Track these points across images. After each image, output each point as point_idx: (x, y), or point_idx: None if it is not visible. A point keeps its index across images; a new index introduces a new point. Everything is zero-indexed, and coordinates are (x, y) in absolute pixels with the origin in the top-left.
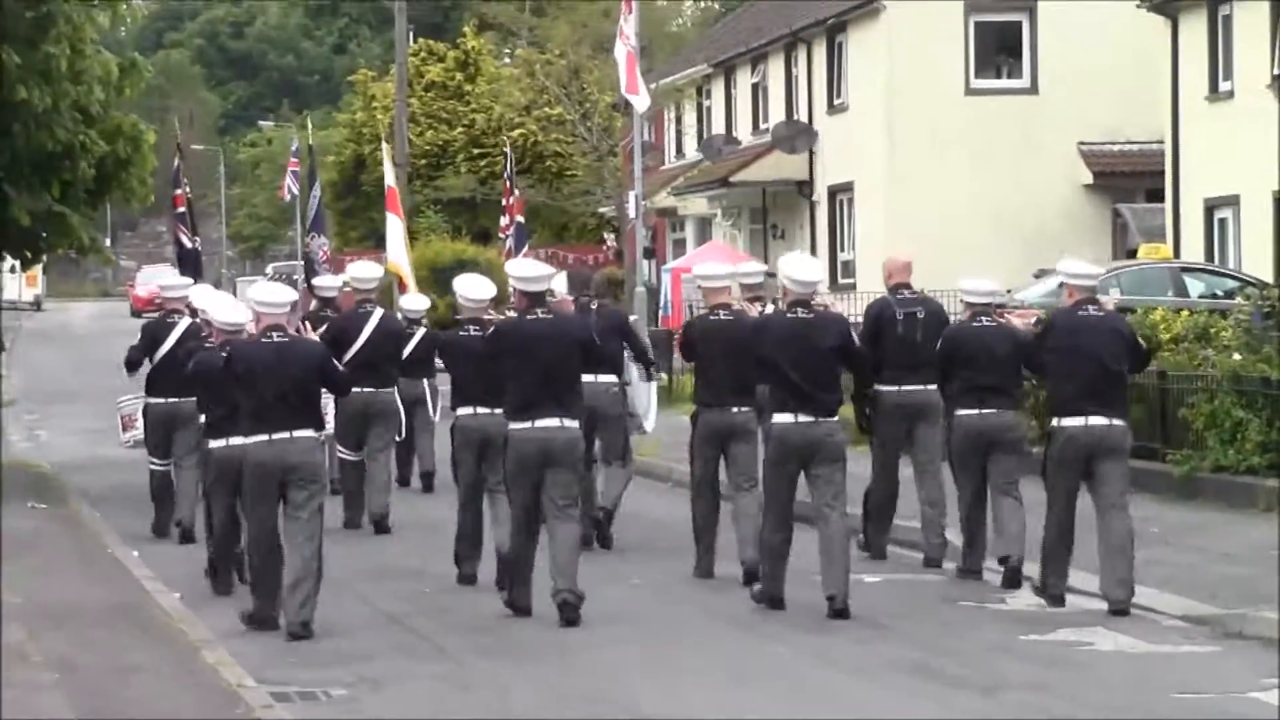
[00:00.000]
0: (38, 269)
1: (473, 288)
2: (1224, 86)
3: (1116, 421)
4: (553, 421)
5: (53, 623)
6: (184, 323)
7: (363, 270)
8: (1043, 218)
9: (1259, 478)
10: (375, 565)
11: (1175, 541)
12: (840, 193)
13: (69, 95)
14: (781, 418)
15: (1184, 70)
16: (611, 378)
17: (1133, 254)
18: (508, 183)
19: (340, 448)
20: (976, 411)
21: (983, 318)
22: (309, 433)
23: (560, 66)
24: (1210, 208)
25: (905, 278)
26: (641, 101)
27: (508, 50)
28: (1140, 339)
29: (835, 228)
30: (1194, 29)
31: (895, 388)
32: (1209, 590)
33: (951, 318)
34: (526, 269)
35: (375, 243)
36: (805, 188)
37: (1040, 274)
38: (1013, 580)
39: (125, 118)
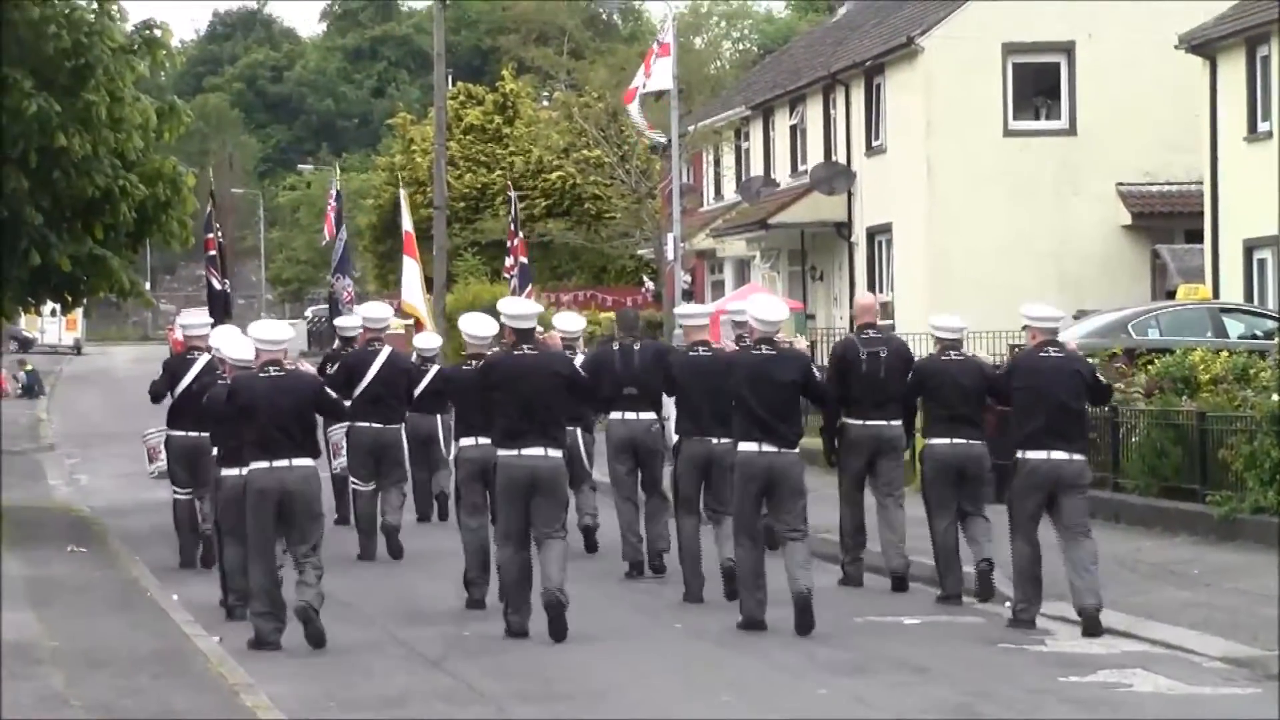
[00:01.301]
0: (78, 313)
1: (476, 325)
2: (1263, 127)
3: (1076, 456)
4: (538, 450)
5: (92, 668)
6: (203, 359)
7: (373, 311)
8: (1082, 258)
9: None
10: (410, 606)
11: (1215, 583)
12: (879, 234)
13: (108, 141)
14: (746, 447)
15: (1223, 110)
16: (651, 414)
17: (1172, 295)
18: (512, 225)
19: (353, 479)
20: (947, 441)
21: (951, 351)
22: (306, 461)
23: (598, 109)
24: (1249, 248)
25: (871, 318)
26: (633, 109)
27: (546, 93)
28: (1099, 378)
29: (874, 269)
30: (1233, 69)
31: (860, 422)
32: (1250, 632)
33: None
34: (516, 307)
35: None
36: (844, 229)
37: (1080, 315)
38: (986, 587)
39: (165, 161)
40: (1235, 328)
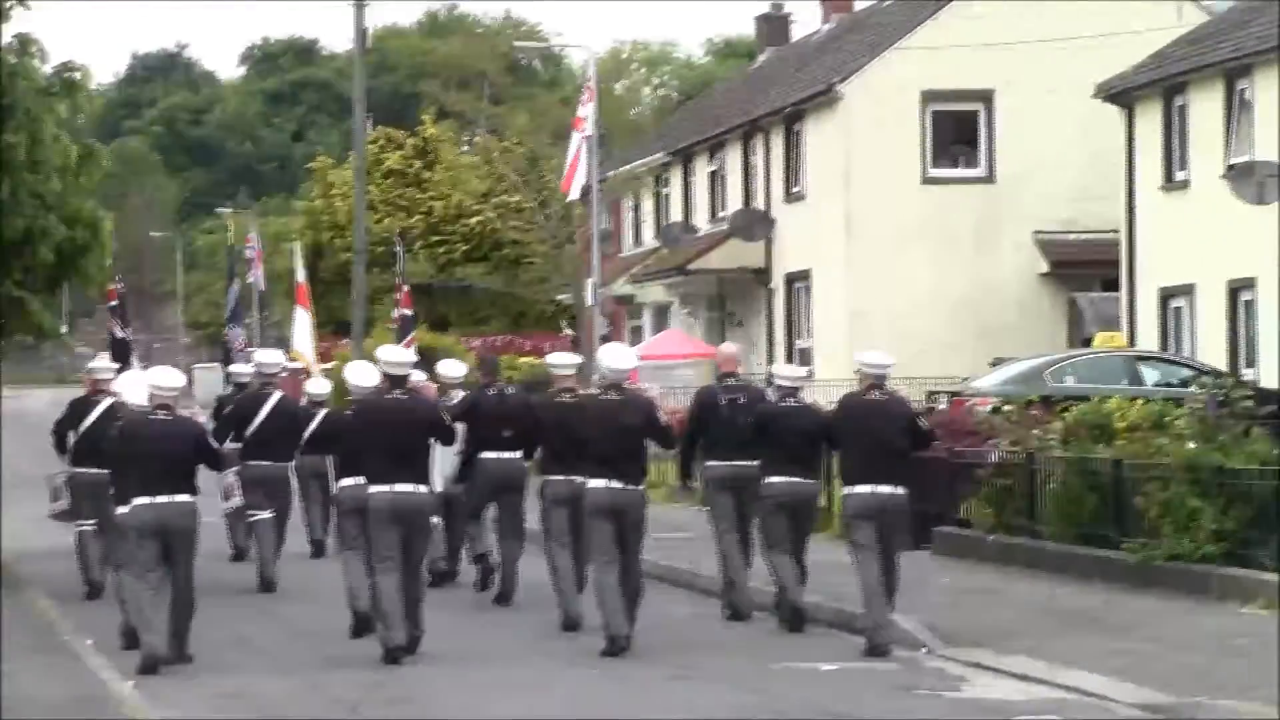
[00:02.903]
0: None
1: (360, 375)
2: (1179, 176)
3: (898, 490)
4: (407, 487)
5: (7, 715)
6: (107, 401)
7: (266, 357)
8: (999, 306)
9: (1213, 566)
10: (333, 654)
11: (1130, 630)
12: (797, 280)
13: (27, 184)
14: (595, 483)
15: (1140, 160)
16: (520, 453)
17: (1088, 342)
18: (399, 278)
19: (250, 511)
20: (784, 479)
21: (790, 399)
22: (186, 498)
23: (519, 154)
24: (1165, 297)
25: (732, 368)
26: (572, 194)
27: (466, 138)
28: (920, 422)
29: (792, 315)
30: (1150, 120)
31: (724, 463)
32: (1164, 679)
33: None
34: (392, 355)
35: (334, 329)
36: (763, 275)
37: (997, 362)
38: (797, 623)
39: (84, 204)
40: (1151, 375)
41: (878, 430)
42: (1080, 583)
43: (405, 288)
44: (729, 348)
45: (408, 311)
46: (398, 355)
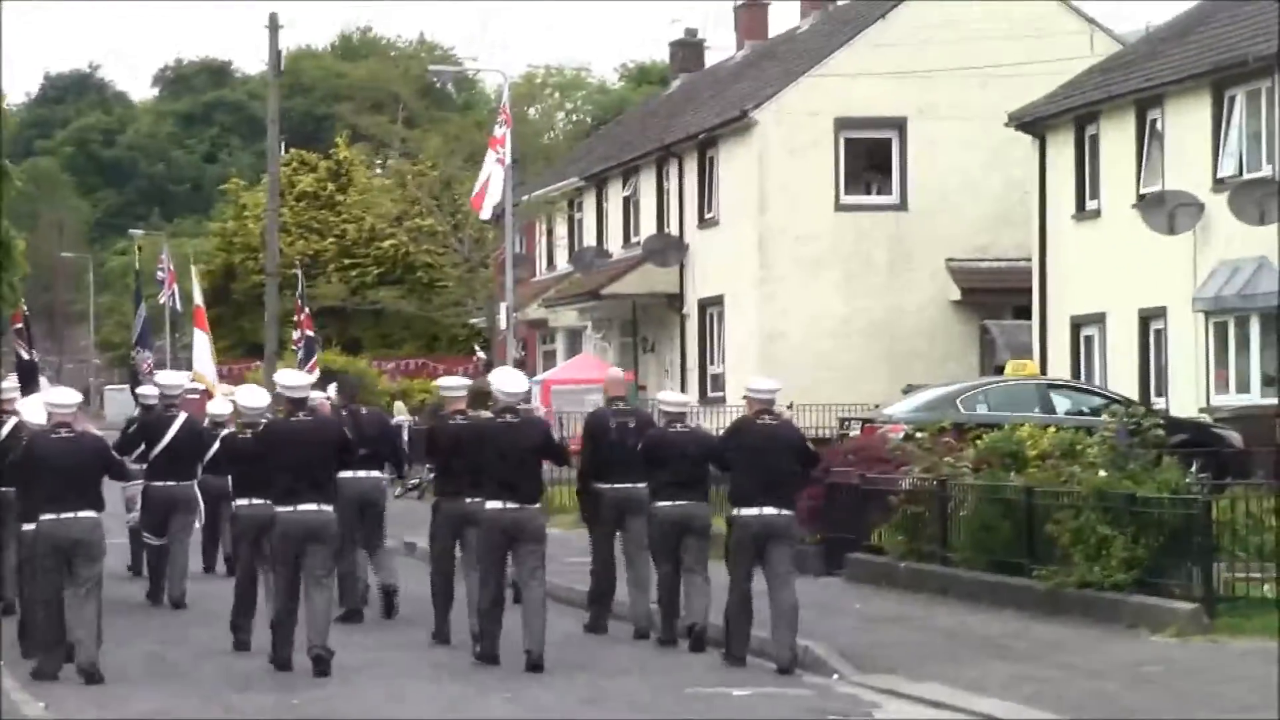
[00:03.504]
0: None
1: (249, 397)
2: (1091, 205)
3: (785, 511)
4: (312, 506)
5: None
6: (11, 422)
7: (169, 379)
8: (911, 332)
9: (1124, 594)
10: (241, 670)
11: (1042, 657)
12: (711, 306)
13: None
14: (492, 504)
15: (1052, 189)
16: (378, 472)
17: (1000, 370)
18: (299, 301)
19: (146, 534)
20: (671, 503)
21: (677, 424)
22: (91, 513)
23: (432, 178)
24: (1077, 325)
25: (621, 391)
26: (483, 214)
27: (380, 161)
28: (808, 445)
29: (705, 341)
30: (1062, 148)
31: (610, 485)
32: (1075, 705)
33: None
34: (290, 379)
35: (245, 351)
36: (676, 301)
37: (909, 389)
38: (698, 645)
39: None
40: (1063, 404)
41: (768, 454)
42: (992, 610)
43: (306, 311)
44: (616, 372)
45: (310, 333)
46: (296, 379)
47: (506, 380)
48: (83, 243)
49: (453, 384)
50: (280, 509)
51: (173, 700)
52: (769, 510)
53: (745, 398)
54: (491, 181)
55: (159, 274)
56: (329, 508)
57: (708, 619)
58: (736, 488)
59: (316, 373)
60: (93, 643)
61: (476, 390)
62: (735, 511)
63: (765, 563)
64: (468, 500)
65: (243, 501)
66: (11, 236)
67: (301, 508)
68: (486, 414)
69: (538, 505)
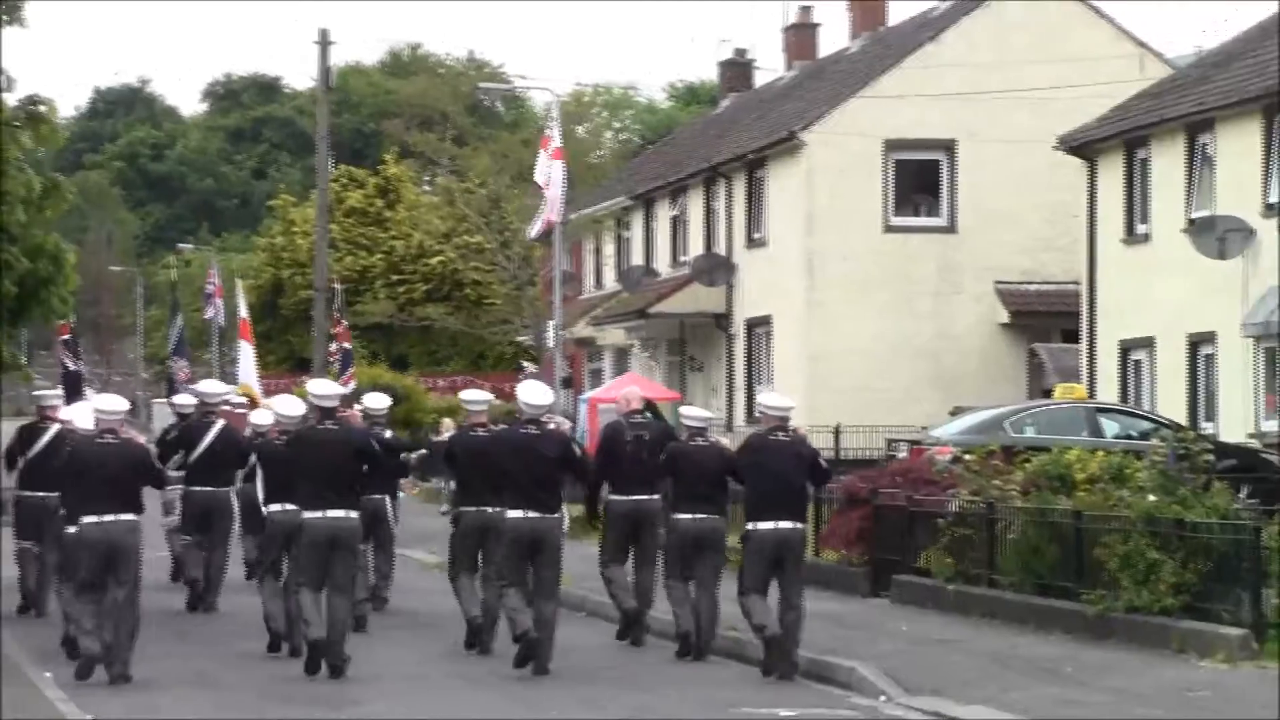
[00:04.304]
0: None
1: (285, 406)
2: (1140, 229)
3: (798, 525)
4: (339, 513)
5: None
6: (54, 429)
7: (209, 386)
8: (959, 355)
9: (1172, 619)
10: (282, 690)
11: (1089, 681)
12: (758, 326)
13: None
14: (514, 513)
15: (1101, 212)
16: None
17: (1048, 393)
18: (336, 313)
19: (183, 536)
20: (690, 516)
21: (698, 438)
22: (130, 516)
23: (480, 195)
24: (1125, 349)
25: (638, 405)
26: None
27: (428, 178)
28: (820, 460)
29: (752, 361)
30: (1112, 172)
31: (625, 497)
32: None
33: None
34: (320, 388)
35: (294, 365)
36: (723, 321)
37: (957, 411)
38: (695, 653)
39: (47, 237)
40: (1111, 427)
41: (781, 469)
42: (1039, 633)
43: (343, 324)
44: (633, 390)
45: (347, 345)
46: (327, 389)
47: (531, 393)
48: (131, 257)
49: (475, 397)
50: (307, 514)
51: (213, 710)
52: (784, 524)
53: (760, 414)
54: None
55: (208, 288)
56: (354, 514)
57: (714, 630)
58: (751, 502)
59: (353, 384)
60: (127, 644)
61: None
62: (750, 525)
63: (779, 576)
64: (489, 510)
65: (275, 507)
66: (63, 249)
67: (329, 514)
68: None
69: (557, 515)
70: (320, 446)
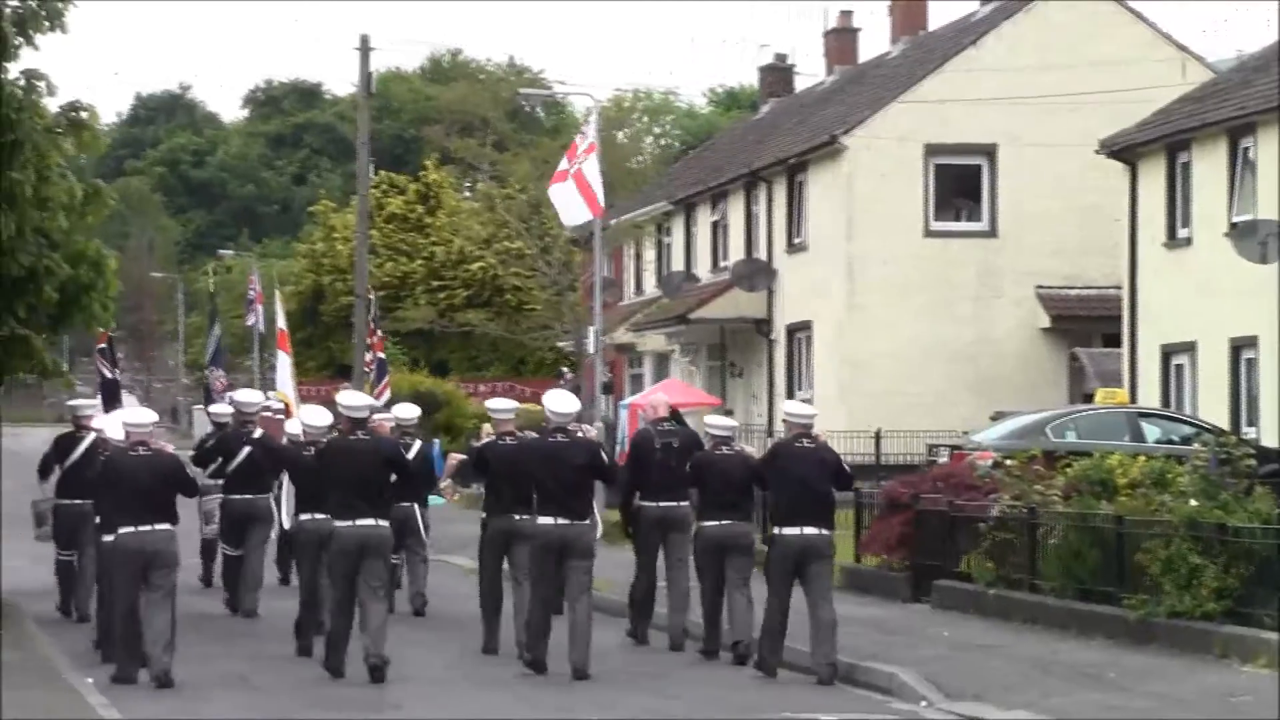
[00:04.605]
0: None
1: (313, 416)
2: (1182, 233)
3: (824, 531)
4: (369, 521)
5: None
6: (90, 437)
7: (246, 396)
8: (1000, 360)
9: (1214, 624)
10: (319, 695)
11: (1131, 686)
12: (798, 331)
13: (33, 221)
14: (544, 520)
15: (1143, 216)
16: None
17: (1089, 398)
18: (371, 323)
19: (223, 545)
20: (716, 522)
21: (724, 447)
22: (166, 526)
23: (521, 201)
24: (1167, 353)
25: (665, 413)
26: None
27: (468, 184)
28: (844, 466)
29: (793, 366)
30: (1153, 176)
31: (654, 503)
32: None
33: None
34: (350, 399)
35: (334, 372)
36: (763, 326)
37: (997, 416)
38: (742, 659)
39: (89, 243)
40: (1152, 432)
41: (805, 475)
42: (1081, 638)
43: (378, 333)
44: (660, 398)
45: (381, 355)
46: (356, 399)
47: (558, 401)
48: (172, 263)
49: (501, 406)
50: (337, 523)
51: (252, 714)
52: (809, 530)
53: (784, 421)
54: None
55: (249, 294)
56: (384, 523)
57: (752, 636)
58: (776, 508)
59: (388, 394)
60: (164, 650)
61: None
62: (776, 531)
63: (805, 580)
64: (516, 517)
65: (305, 516)
66: (104, 256)
67: (359, 522)
68: (533, 434)
69: (586, 522)
70: (350, 456)
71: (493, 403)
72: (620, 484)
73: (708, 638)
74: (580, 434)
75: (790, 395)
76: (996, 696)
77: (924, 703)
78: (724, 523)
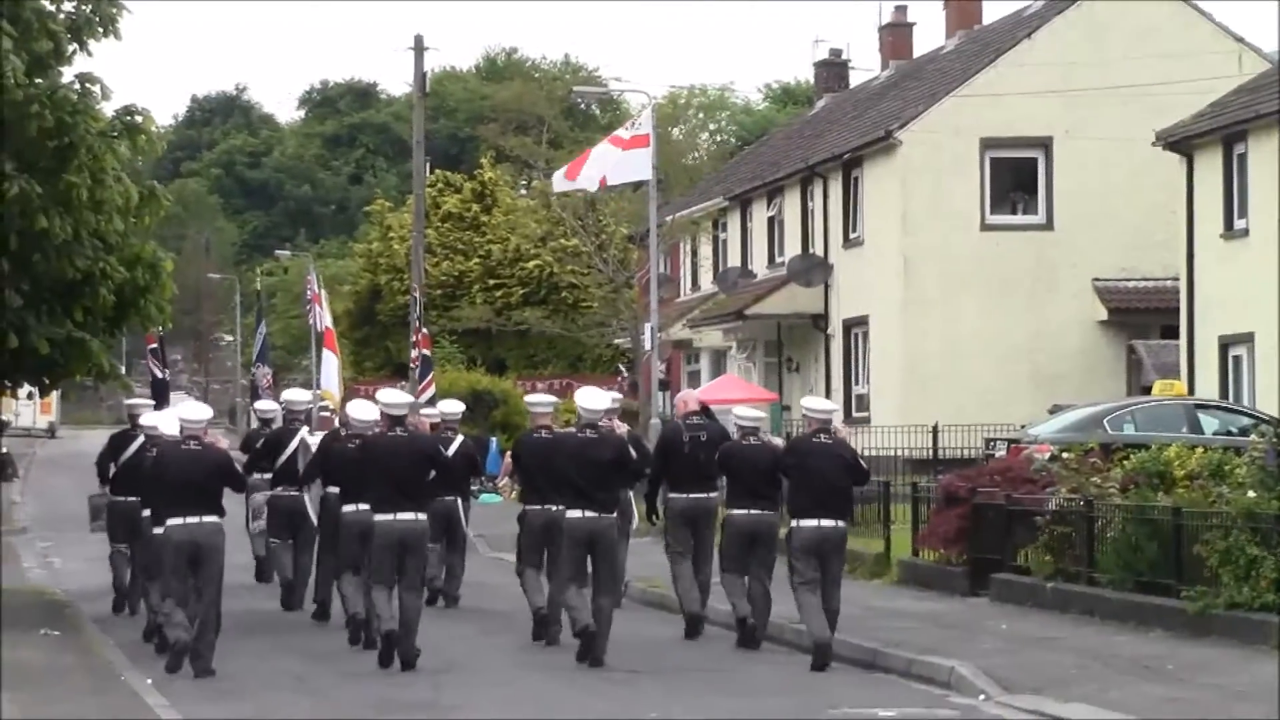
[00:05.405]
0: (53, 395)
1: (360, 411)
2: (1239, 224)
3: (840, 523)
4: (408, 515)
5: None
6: (140, 439)
7: (294, 395)
8: (1057, 353)
9: (1273, 615)
10: (378, 695)
11: (1190, 678)
12: (855, 326)
13: (89, 224)
14: (573, 513)
15: (1199, 207)
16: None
17: (1147, 390)
18: (416, 321)
19: (272, 538)
20: (745, 511)
21: (750, 438)
22: (214, 518)
23: (576, 199)
24: (1225, 345)
25: (695, 407)
26: (561, 183)
27: (524, 182)
28: (860, 461)
29: (849, 361)
30: (1210, 167)
31: (684, 495)
32: None
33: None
34: (389, 397)
35: (392, 371)
36: (820, 321)
37: (1055, 409)
38: (749, 639)
39: (145, 245)
40: (1210, 424)
41: (823, 469)
42: (1139, 631)
43: (423, 331)
44: (690, 393)
45: (426, 352)
46: (396, 397)
47: (588, 398)
48: (230, 264)
49: (539, 400)
50: (379, 517)
51: (310, 714)
52: (826, 522)
53: (804, 416)
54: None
55: (307, 293)
56: (423, 516)
57: (766, 619)
58: (794, 500)
59: (431, 390)
60: (210, 642)
61: (625, 408)
62: (794, 522)
63: (820, 569)
64: (553, 509)
65: (349, 508)
66: (159, 258)
67: (400, 516)
68: (570, 429)
69: (614, 515)
70: (391, 452)
71: (531, 398)
72: (649, 477)
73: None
74: (609, 429)
75: (848, 391)
76: (1055, 690)
77: (982, 696)
78: (753, 512)
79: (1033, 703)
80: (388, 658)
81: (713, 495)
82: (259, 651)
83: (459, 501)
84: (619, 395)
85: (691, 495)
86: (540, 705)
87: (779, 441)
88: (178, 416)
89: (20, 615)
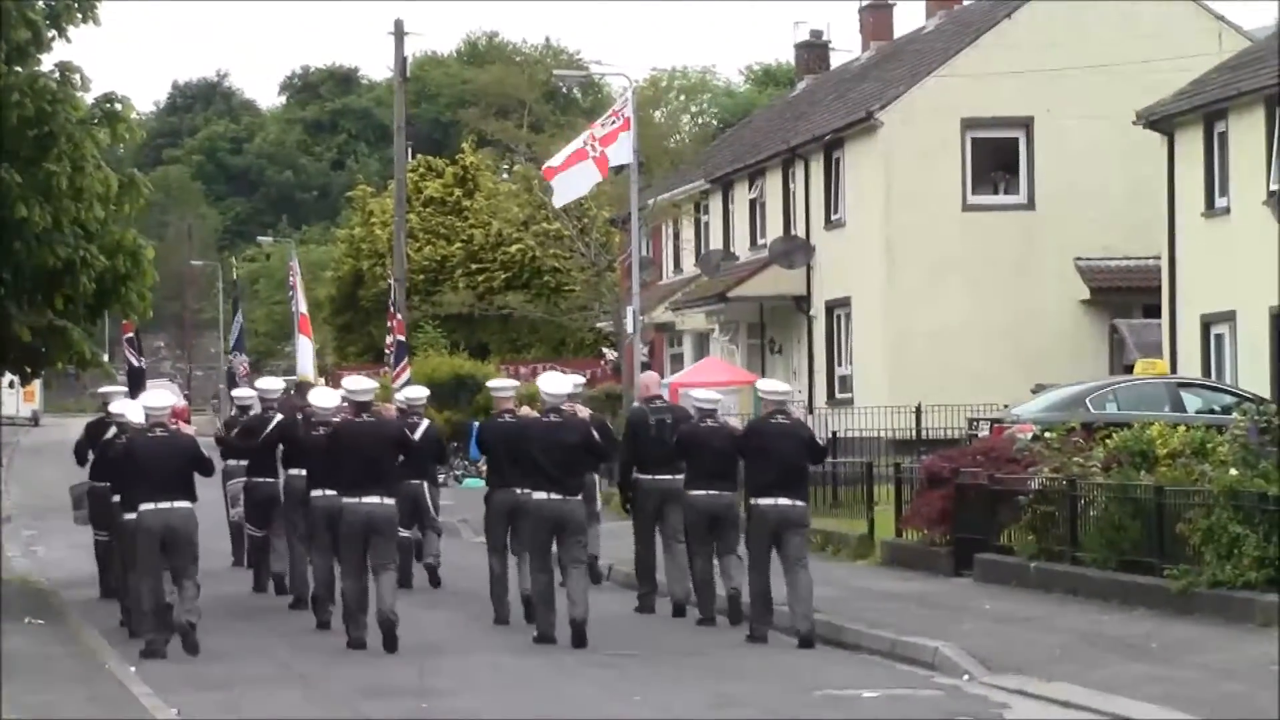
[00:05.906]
0: (36, 384)
1: (322, 398)
2: (1220, 203)
3: (798, 502)
4: (375, 499)
5: None
6: (115, 424)
7: (267, 384)
8: (1040, 333)
9: (1256, 593)
10: (369, 683)
11: (1173, 657)
12: (837, 308)
13: (70, 212)
14: (538, 495)
15: (1181, 186)
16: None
17: (1130, 369)
18: (391, 307)
19: (248, 526)
20: (704, 492)
21: (708, 420)
22: (185, 504)
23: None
24: (1207, 323)
25: (656, 391)
26: (555, 199)
27: (506, 166)
28: (817, 441)
29: (832, 342)
30: (1190, 146)
31: (650, 477)
32: (1208, 705)
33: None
34: (354, 384)
35: (374, 357)
36: (802, 303)
37: (1038, 389)
38: (736, 611)
39: (125, 233)
40: (1193, 402)
41: (781, 450)
42: (1122, 610)
43: (399, 316)
44: (651, 375)
45: (401, 338)
46: (360, 384)
47: (550, 383)
48: (213, 251)
49: (501, 385)
50: (346, 500)
51: (301, 705)
52: (784, 501)
53: (760, 399)
54: (578, 173)
55: (289, 280)
56: (390, 500)
57: (743, 586)
58: (753, 481)
59: (408, 374)
60: (192, 608)
61: (607, 392)
62: (753, 502)
63: (781, 548)
64: (517, 491)
65: (316, 493)
66: (140, 245)
67: (366, 500)
68: (533, 413)
69: (579, 497)
70: (357, 438)
71: (493, 382)
72: (620, 462)
73: (703, 605)
74: (572, 413)
75: (831, 372)
76: (1039, 669)
77: (966, 676)
78: (711, 492)
79: (1017, 682)
80: (359, 638)
81: (679, 477)
82: (242, 634)
83: (424, 485)
84: (580, 380)
85: (659, 477)
86: (526, 688)
87: (736, 423)
88: (142, 405)
89: (5, 604)
